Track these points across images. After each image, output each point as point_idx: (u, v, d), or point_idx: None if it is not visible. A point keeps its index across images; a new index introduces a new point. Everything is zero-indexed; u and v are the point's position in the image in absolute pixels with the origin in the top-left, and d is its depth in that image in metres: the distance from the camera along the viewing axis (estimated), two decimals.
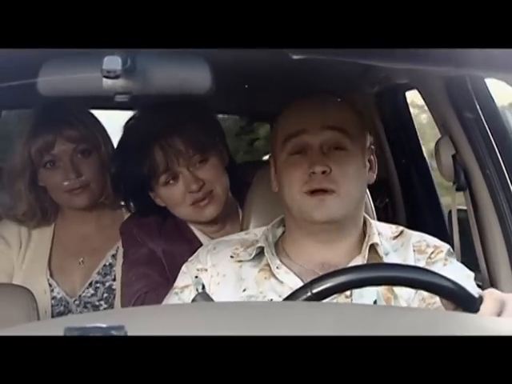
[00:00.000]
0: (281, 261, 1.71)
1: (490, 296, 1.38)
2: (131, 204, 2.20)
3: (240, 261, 1.73)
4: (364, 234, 1.74)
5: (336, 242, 1.71)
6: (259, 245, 1.72)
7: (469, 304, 1.34)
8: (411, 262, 1.69)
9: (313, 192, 1.64)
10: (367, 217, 1.78)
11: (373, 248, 1.71)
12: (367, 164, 1.73)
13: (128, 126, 2.13)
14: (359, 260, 1.70)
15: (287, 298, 1.38)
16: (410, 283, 1.40)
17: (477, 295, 1.37)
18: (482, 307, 1.35)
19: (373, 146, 1.78)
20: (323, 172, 1.64)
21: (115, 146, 2.24)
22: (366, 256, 1.70)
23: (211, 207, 2.05)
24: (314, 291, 1.34)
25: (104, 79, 1.22)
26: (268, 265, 1.71)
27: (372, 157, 1.76)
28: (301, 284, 1.64)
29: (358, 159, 1.69)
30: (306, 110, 1.71)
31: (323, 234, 1.70)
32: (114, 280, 2.24)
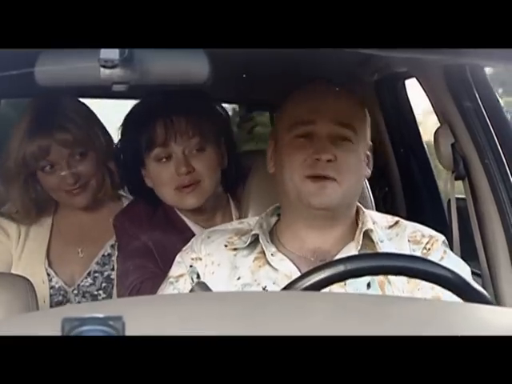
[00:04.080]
0: (276, 248, 1.72)
1: None
2: (124, 183, 2.22)
3: (234, 249, 1.74)
4: (357, 222, 1.75)
5: (328, 228, 1.72)
6: (254, 232, 1.73)
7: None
8: (406, 252, 1.70)
9: (315, 177, 1.66)
10: (360, 206, 1.79)
11: (367, 235, 1.72)
12: (364, 160, 1.76)
13: (137, 103, 2.15)
14: (352, 246, 1.71)
15: (318, 268, 1.37)
16: (428, 278, 1.39)
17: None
18: None
19: (370, 142, 1.79)
20: (328, 160, 1.66)
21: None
22: (360, 242, 1.71)
23: (193, 197, 2.05)
24: (349, 267, 1.34)
25: (101, 69, 1.21)
26: (262, 252, 1.72)
27: (368, 152, 1.78)
28: (295, 270, 1.68)
29: (359, 152, 1.72)
30: (317, 101, 1.72)
31: (317, 220, 1.71)
32: (113, 270, 2.24)
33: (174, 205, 2.11)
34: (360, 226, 1.73)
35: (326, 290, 1.38)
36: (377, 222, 1.77)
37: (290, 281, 1.54)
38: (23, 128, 2.19)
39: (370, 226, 1.73)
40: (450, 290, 1.38)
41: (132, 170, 2.13)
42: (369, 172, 1.78)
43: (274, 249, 1.72)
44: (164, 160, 2.05)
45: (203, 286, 1.36)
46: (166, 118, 2.04)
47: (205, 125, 2.06)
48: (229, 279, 1.71)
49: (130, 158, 2.12)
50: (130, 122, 2.12)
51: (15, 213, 2.27)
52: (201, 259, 1.74)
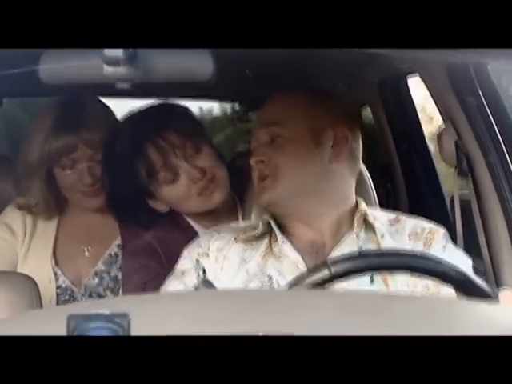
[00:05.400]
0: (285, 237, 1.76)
1: (509, 296, 1.37)
2: (129, 219, 2.15)
3: (246, 240, 1.77)
4: (354, 213, 1.77)
5: (314, 221, 1.76)
6: (266, 219, 1.77)
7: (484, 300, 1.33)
8: (407, 248, 1.71)
9: (258, 180, 1.77)
10: (359, 198, 1.81)
11: (369, 227, 1.73)
12: (325, 144, 1.76)
13: (113, 139, 2.11)
14: (352, 236, 1.73)
15: (305, 274, 1.38)
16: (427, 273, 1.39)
17: (492, 291, 1.36)
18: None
19: (343, 130, 1.78)
20: (261, 161, 1.76)
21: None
22: (360, 234, 1.73)
23: (217, 193, 2.04)
24: (333, 270, 1.34)
25: (105, 66, 1.21)
26: (269, 246, 1.75)
27: (340, 139, 1.78)
28: (300, 259, 1.73)
29: (300, 143, 1.76)
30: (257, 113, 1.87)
31: (293, 216, 1.76)
32: (120, 270, 2.23)
33: (202, 209, 2.07)
34: (357, 214, 1.75)
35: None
36: (377, 217, 1.78)
37: (295, 268, 1.67)
38: (49, 123, 2.19)
39: (364, 209, 1.76)
40: (441, 280, 1.38)
41: (138, 206, 2.09)
42: (337, 154, 1.78)
43: (284, 237, 1.76)
44: (173, 179, 2.04)
45: (208, 284, 1.36)
46: (155, 139, 2.03)
47: (189, 130, 2.07)
48: (237, 271, 1.73)
49: (132, 196, 2.08)
50: (118, 159, 2.08)
51: (34, 205, 2.26)
52: (208, 255, 1.77)
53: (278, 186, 1.74)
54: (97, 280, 2.25)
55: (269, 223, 1.77)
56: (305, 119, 1.77)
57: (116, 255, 2.26)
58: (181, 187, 2.04)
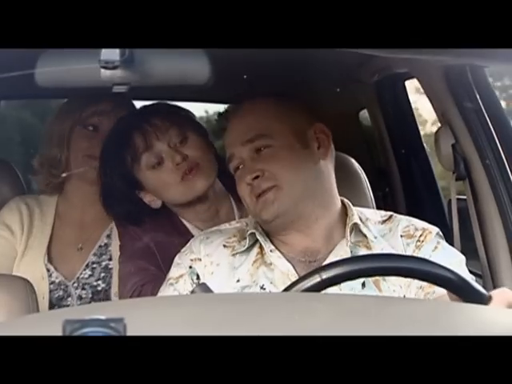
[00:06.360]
0: (273, 246, 1.74)
1: (501, 296, 1.36)
2: (121, 213, 2.17)
3: (234, 254, 1.75)
4: (345, 218, 1.76)
5: (309, 229, 1.74)
6: (251, 231, 1.74)
7: (476, 299, 1.33)
8: (400, 248, 1.71)
9: (258, 196, 1.71)
10: (346, 201, 1.80)
11: (359, 232, 1.73)
12: (311, 144, 1.76)
13: (107, 140, 2.16)
14: (344, 244, 1.72)
15: (295, 282, 1.38)
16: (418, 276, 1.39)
17: (484, 291, 1.36)
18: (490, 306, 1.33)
19: (320, 125, 1.79)
20: (256, 177, 1.71)
21: None
22: (352, 240, 1.72)
23: (200, 179, 2.04)
24: (324, 277, 1.34)
25: (102, 70, 1.21)
26: (260, 253, 1.73)
27: (321, 135, 1.78)
28: (291, 268, 1.70)
29: (289, 148, 1.73)
30: (228, 128, 1.80)
31: (291, 225, 1.73)
32: (110, 259, 2.27)
33: (186, 197, 2.07)
34: (348, 222, 1.74)
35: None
36: (369, 218, 1.77)
37: (286, 278, 1.64)
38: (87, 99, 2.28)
39: (356, 220, 1.73)
40: (435, 284, 1.38)
41: (127, 197, 2.11)
42: (326, 153, 1.78)
43: (272, 246, 1.74)
44: (157, 165, 2.05)
45: (204, 288, 1.36)
46: (139, 124, 2.06)
47: (175, 116, 2.10)
48: (228, 280, 1.71)
49: (121, 187, 2.10)
50: (109, 153, 2.12)
51: (58, 161, 2.31)
52: (200, 260, 1.75)
53: (283, 195, 1.70)
54: (89, 272, 2.28)
55: (254, 234, 1.75)
56: (286, 124, 1.75)
57: (106, 246, 2.29)
58: (164, 173, 2.05)
